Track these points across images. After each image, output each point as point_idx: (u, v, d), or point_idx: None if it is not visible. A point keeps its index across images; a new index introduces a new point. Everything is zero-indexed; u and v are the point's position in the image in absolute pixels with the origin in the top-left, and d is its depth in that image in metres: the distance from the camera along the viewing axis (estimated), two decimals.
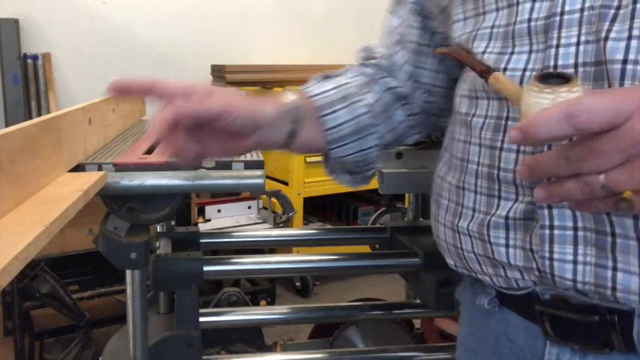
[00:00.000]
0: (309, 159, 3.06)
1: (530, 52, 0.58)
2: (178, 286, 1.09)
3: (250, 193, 2.91)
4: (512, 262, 0.61)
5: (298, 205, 3.05)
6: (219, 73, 3.28)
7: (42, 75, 3.12)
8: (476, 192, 0.65)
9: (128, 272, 1.00)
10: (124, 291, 1.53)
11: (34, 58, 3.10)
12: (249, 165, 0.93)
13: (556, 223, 0.56)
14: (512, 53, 0.60)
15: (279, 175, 3.29)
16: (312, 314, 1.32)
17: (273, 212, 2.84)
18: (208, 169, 0.92)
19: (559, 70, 0.54)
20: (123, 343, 1.11)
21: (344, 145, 0.79)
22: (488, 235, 0.62)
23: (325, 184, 3.15)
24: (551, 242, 0.57)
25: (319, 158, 0.86)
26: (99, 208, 0.96)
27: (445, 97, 0.83)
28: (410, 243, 1.19)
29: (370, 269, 1.43)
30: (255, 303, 2.62)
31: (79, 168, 0.87)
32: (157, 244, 1.20)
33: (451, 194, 0.69)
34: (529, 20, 0.58)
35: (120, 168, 0.90)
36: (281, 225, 2.72)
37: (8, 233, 0.52)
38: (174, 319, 1.11)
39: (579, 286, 0.56)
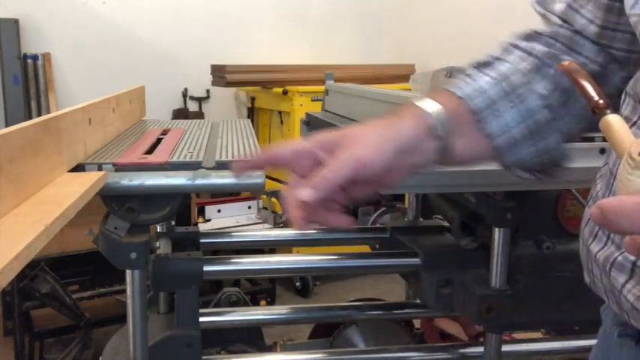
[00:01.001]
0: None
1: None
2: (178, 286, 1.09)
3: (250, 193, 2.91)
4: (629, 315, 0.53)
5: None
6: (219, 73, 3.28)
7: (42, 75, 3.12)
8: None
9: (128, 272, 1.00)
10: (124, 291, 1.53)
11: (34, 58, 3.10)
12: None
13: None
14: None
15: (279, 175, 3.28)
16: (312, 314, 1.32)
17: (273, 212, 2.84)
18: (208, 169, 0.92)
19: None
20: (123, 343, 1.11)
21: (517, 150, 0.63)
22: (610, 274, 0.53)
23: None
24: None
25: None
26: (99, 208, 0.96)
27: None
28: (410, 243, 1.19)
29: (370, 269, 1.43)
30: (255, 303, 2.62)
31: (79, 168, 0.87)
32: (157, 244, 1.20)
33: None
34: None
35: (120, 168, 0.90)
36: (281, 225, 2.72)
37: (8, 233, 0.52)
38: (174, 319, 1.11)
39: None
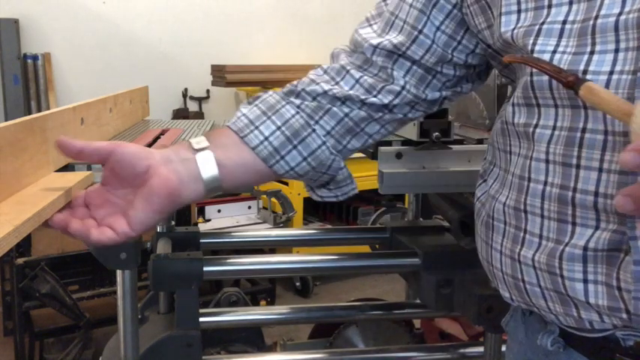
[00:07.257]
0: None
1: (617, 50, 0.49)
2: (178, 286, 1.08)
3: (250, 193, 2.91)
4: (591, 300, 0.52)
5: (298, 205, 3.05)
6: (219, 73, 3.28)
7: (42, 75, 3.12)
8: (542, 216, 0.56)
9: (118, 272, 1.00)
10: None
11: (34, 58, 3.11)
12: None
13: None
14: (592, 53, 0.51)
15: None
16: (312, 314, 1.32)
17: (273, 212, 2.84)
18: None
19: None
20: None
21: (283, 157, 0.70)
22: (561, 268, 0.54)
23: None
24: None
25: None
26: None
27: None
28: (410, 243, 1.19)
29: (370, 269, 1.43)
30: (255, 303, 2.62)
31: (68, 168, 0.87)
32: (148, 244, 1.20)
33: (508, 217, 0.60)
34: (619, 14, 0.49)
35: None
36: (281, 225, 2.72)
37: None
38: (174, 319, 1.11)
39: None
